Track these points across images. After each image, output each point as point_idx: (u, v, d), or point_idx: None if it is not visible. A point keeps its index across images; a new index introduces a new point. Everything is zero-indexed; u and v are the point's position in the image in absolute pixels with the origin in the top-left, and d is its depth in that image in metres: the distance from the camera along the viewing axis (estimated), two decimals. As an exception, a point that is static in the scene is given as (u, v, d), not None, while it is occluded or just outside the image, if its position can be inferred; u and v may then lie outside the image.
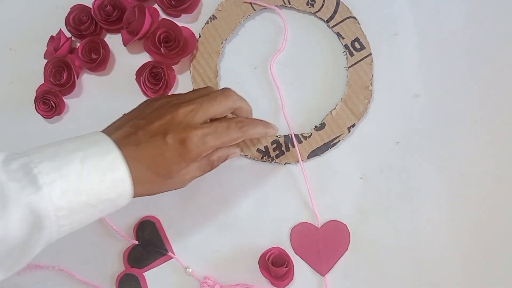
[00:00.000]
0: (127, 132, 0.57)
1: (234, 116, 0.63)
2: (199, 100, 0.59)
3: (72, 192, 0.52)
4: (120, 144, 0.55)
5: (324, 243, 0.67)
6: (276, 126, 0.65)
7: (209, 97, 0.59)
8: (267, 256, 0.66)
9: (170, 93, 0.71)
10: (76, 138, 0.56)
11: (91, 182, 0.53)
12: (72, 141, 0.55)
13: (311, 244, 0.67)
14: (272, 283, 0.67)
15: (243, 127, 0.61)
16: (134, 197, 0.57)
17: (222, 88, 0.61)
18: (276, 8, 0.71)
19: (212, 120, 0.60)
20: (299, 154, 0.68)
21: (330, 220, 0.68)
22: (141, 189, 0.57)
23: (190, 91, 0.62)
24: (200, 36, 0.71)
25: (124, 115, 0.60)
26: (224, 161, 0.63)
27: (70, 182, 0.52)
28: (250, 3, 0.71)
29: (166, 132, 0.56)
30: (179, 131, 0.57)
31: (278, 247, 0.67)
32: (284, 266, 0.66)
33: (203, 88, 0.63)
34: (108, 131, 0.58)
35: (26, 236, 0.51)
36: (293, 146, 0.68)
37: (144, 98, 0.71)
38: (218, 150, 0.61)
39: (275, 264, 0.66)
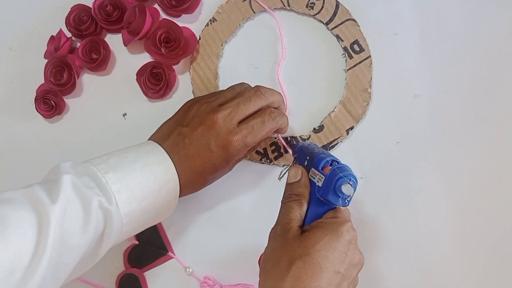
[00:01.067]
0: (175, 141, 0.61)
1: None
2: (235, 102, 0.62)
3: (135, 200, 0.57)
4: (171, 153, 0.60)
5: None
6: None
7: (244, 98, 0.63)
8: (266, 256, 0.67)
9: (170, 93, 0.71)
10: (132, 148, 0.61)
11: (151, 190, 0.58)
12: (129, 151, 0.60)
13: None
14: (271, 283, 0.67)
15: (276, 117, 0.64)
16: (181, 196, 0.62)
17: (254, 87, 0.65)
18: (272, 12, 0.70)
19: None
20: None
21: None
22: (189, 190, 0.63)
23: (226, 90, 0.66)
24: (200, 39, 0.72)
25: (167, 122, 0.65)
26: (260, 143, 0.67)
27: (133, 191, 0.57)
28: (251, 0, 0.71)
29: (209, 140, 0.61)
30: (221, 137, 0.61)
31: (277, 246, 0.68)
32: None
33: (238, 84, 0.66)
34: (158, 139, 0.63)
35: (100, 235, 0.56)
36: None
37: (145, 98, 0.72)
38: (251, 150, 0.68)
39: (274, 264, 0.66)
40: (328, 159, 0.57)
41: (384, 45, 0.70)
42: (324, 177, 0.56)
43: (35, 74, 0.73)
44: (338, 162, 0.57)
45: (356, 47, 0.69)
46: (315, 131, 0.69)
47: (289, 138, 0.69)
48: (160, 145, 0.61)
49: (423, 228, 0.67)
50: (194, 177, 0.61)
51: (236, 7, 0.71)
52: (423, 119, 0.69)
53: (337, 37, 0.70)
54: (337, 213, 0.56)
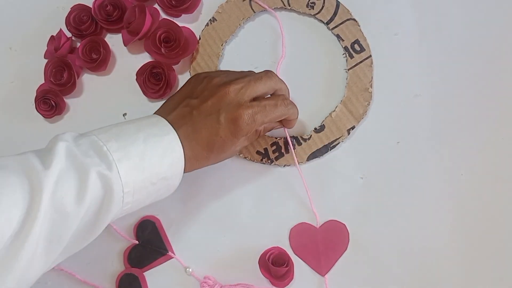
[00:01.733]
0: (182, 113, 0.61)
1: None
2: (246, 79, 0.62)
3: (137, 170, 0.56)
4: (176, 125, 0.60)
5: (323, 243, 0.67)
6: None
7: (255, 77, 0.63)
8: (267, 256, 0.67)
9: (170, 92, 0.71)
10: (134, 121, 0.60)
11: (153, 161, 0.57)
12: (131, 123, 0.59)
13: (310, 244, 0.68)
14: (272, 283, 0.67)
15: (288, 105, 0.64)
16: (186, 171, 0.61)
17: (265, 70, 0.64)
18: (273, 11, 0.70)
19: (255, 99, 0.63)
20: (295, 157, 0.68)
21: (329, 220, 0.68)
22: (193, 165, 0.61)
23: (234, 71, 0.66)
24: (200, 38, 0.71)
25: (174, 94, 0.64)
26: (269, 131, 0.67)
27: (135, 160, 0.56)
28: (250, 1, 0.71)
29: (219, 112, 0.60)
30: (231, 110, 0.60)
31: (278, 247, 0.67)
32: (284, 266, 0.66)
33: (245, 71, 0.66)
34: (163, 112, 0.62)
35: (99, 206, 0.54)
36: (293, 148, 0.68)
37: (145, 98, 0.71)
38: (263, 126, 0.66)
39: (275, 264, 0.66)
40: None
41: (384, 44, 0.70)
42: None
43: (35, 74, 0.73)
44: None
45: (356, 47, 0.69)
46: (316, 130, 0.69)
47: (289, 138, 0.69)
48: (165, 118, 0.60)
49: (423, 228, 0.67)
50: (200, 151, 0.60)
51: (236, 7, 0.71)
52: (423, 119, 0.69)
53: (338, 36, 0.70)
54: None
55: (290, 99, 0.66)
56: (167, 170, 0.58)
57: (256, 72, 0.65)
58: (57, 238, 0.52)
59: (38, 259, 0.51)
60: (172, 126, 0.59)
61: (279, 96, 0.64)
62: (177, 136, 0.59)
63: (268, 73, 0.64)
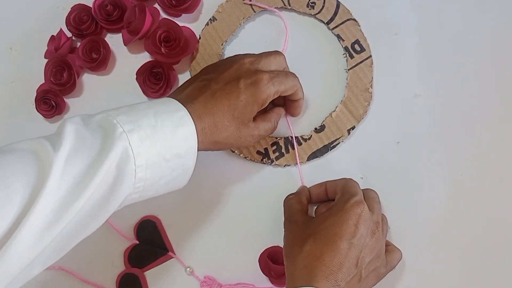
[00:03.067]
0: (199, 86, 0.61)
1: None
2: (257, 55, 0.64)
3: (149, 141, 0.55)
4: (193, 97, 0.60)
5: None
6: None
7: (265, 53, 0.65)
8: (267, 254, 0.67)
9: (171, 92, 0.71)
10: (144, 102, 0.60)
11: (165, 133, 0.56)
12: (143, 103, 0.59)
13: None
14: (272, 282, 0.67)
15: (295, 77, 0.65)
16: (204, 149, 0.60)
17: (274, 50, 0.66)
18: (276, 10, 0.71)
19: None
20: (297, 155, 0.68)
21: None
22: (213, 135, 0.60)
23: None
24: (200, 38, 0.71)
25: (187, 80, 0.65)
26: (275, 127, 0.67)
27: (147, 132, 0.55)
28: (251, 4, 0.71)
29: (238, 78, 0.61)
30: (250, 75, 0.61)
31: (278, 246, 0.68)
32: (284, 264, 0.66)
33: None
34: (175, 94, 0.62)
35: (111, 181, 0.53)
36: (293, 148, 0.68)
37: (145, 98, 0.71)
38: (274, 111, 0.67)
39: (275, 262, 0.66)
40: None
41: (384, 45, 0.70)
42: None
43: (35, 74, 0.73)
44: None
45: (357, 47, 0.69)
46: (317, 130, 0.69)
47: (290, 138, 0.69)
48: (176, 97, 0.60)
49: (423, 228, 0.67)
50: (221, 117, 0.60)
51: (236, 7, 0.71)
52: (423, 119, 0.69)
53: (338, 36, 0.70)
54: (344, 192, 0.62)
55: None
56: (180, 145, 0.57)
57: None
58: (62, 213, 0.51)
59: (41, 235, 0.50)
60: (187, 100, 0.59)
61: (288, 71, 0.66)
62: (188, 113, 0.58)
63: (277, 52, 0.66)
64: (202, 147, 0.59)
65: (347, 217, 0.58)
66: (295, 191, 0.68)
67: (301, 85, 0.66)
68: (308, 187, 0.68)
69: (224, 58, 0.70)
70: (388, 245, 0.64)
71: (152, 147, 0.55)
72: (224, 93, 0.60)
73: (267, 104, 0.62)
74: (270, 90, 0.61)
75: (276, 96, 0.63)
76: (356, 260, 0.57)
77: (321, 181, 0.68)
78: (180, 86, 0.64)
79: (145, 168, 0.55)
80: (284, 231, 0.63)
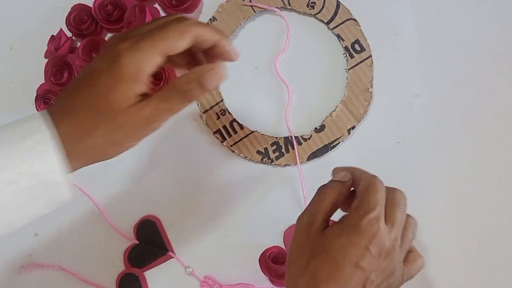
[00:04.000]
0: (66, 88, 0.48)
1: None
2: (144, 29, 0.47)
3: None
4: (55, 102, 0.47)
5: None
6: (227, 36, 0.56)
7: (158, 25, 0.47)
8: (267, 254, 0.67)
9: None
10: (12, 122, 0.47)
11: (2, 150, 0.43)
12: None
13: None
14: (272, 282, 0.67)
15: (182, 20, 0.47)
16: (77, 167, 0.46)
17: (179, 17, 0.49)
18: (277, 10, 0.71)
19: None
20: (297, 155, 0.68)
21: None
22: (82, 143, 0.45)
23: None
24: (200, 38, 0.72)
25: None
26: (202, 89, 0.48)
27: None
28: (251, 5, 0.71)
29: (95, 61, 0.47)
30: (109, 50, 0.46)
31: (278, 246, 0.68)
32: (285, 263, 0.66)
33: (165, 16, 0.52)
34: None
35: None
36: (293, 148, 0.68)
37: (145, 98, 0.71)
38: (188, 73, 0.48)
39: (275, 262, 0.66)
40: None
41: (384, 44, 0.70)
42: None
43: (36, 74, 0.73)
44: None
45: (357, 47, 0.70)
46: (317, 130, 0.69)
47: (290, 138, 0.69)
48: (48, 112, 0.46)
49: (423, 228, 0.67)
50: (82, 119, 0.45)
51: (236, 7, 0.71)
52: (423, 119, 0.69)
53: (338, 36, 0.70)
54: (361, 203, 0.51)
55: (289, 101, 0.66)
56: (27, 159, 0.43)
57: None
58: None
59: None
60: (50, 120, 0.45)
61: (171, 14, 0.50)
62: (40, 114, 0.45)
63: (180, 18, 0.48)
64: (72, 169, 0.46)
65: (359, 237, 0.50)
66: (332, 180, 0.56)
67: (204, 24, 0.49)
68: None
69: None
70: (411, 251, 0.56)
71: None
72: (78, 82, 0.46)
73: (147, 78, 0.46)
74: (136, 57, 0.45)
75: (157, 64, 0.46)
76: (362, 285, 0.50)
77: (322, 180, 0.68)
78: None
79: None
80: (297, 226, 0.55)
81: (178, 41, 0.46)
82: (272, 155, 0.69)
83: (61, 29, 0.73)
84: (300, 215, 0.54)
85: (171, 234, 0.70)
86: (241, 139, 0.69)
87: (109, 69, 0.45)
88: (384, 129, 0.69)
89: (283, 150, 0.69)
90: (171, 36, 0.46)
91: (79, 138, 0.45)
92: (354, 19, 0.70)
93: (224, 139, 0.69)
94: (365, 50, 0.69)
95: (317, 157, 0.69)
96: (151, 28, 0.46)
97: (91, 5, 0.72)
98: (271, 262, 0.66)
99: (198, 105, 0.70)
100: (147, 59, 0.45)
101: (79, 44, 0.73)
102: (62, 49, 0.71)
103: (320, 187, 0.55)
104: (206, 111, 0.70)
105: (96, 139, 0.45)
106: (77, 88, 0.46)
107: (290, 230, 0.68)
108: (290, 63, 0.70)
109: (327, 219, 0.53)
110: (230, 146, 0.69)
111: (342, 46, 0.70)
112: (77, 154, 0.45)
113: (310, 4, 0.70)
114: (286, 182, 0.69)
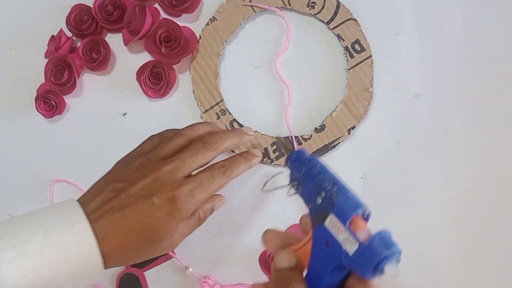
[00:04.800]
0: (107, 197, 0.54)
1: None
2: (181, 155, 0.57)
3: (33, 271, 0.48)
4: (99, 212, 0.53)
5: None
6: (258, 155, 0.66)
7: (191, 151, 0.57)
8: (267, 254, 0.67)
9: (171, 92, 0.71)
10: (45, 208, 0.53)
11: (56, 257, 0.49)
12: (39, 212, 0.52)
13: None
14: (271, 281, 0.67)
15: (226, 171, 0.59)
16: (114, 266, 0.54)
17: (202, 138, 0.59)
18: (277, 9, 0.71)
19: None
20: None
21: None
22: (121, 257, 0.53)
23: (162, 141, 0.59)
24: (200, 38, 0.71)
25: (98, 181, 0.57)
26: (211, 213, 0.61)
27: (32, 259, 0.48)
28: (251, 5, 0.71)
29: (152, 193, 0.54)
30: (166, 190, 0.54)
31: (278, 246, 0.68)
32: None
33: (183, 134, 0.60)
34: (85, 199, 0.55)
35: None
36: (293, 148, 0.68)
37: (145, 98, 0.71)
38: (204, 204, 0.59)
39: (275, 262, 0.66)
40: (359, 209, 0.43)
41: (385, 44, 0.70)
42: (358, 245, 0.42)
43: (36, 74, 0.73)
44: (368, 214, 0.44)
45: (357, 47, 0.70)
46: (317, 130, 0.69)
47: (290, 138, 0.69)
48: (83, 205, 0.53)
49: (423, 228, 0.67)
50: (129, 238, 0.53)
51: (236, 7, 0.71)
52: (423, 119, 0.69)
53: (338, 36, 0.70)
54: (368, 284, 0.44)
55: (289, 101, 0.65)
56: (76, 266, 0.50)
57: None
58: None
59: None
60: (92, 216, 0.52)
61: (215, 165, 0.59)
62: (89, 226, 0.51)
63: (205, 144, 0.58)
64: (107, 267, 0.53)
65: None
66: (289, 280, 0.46)
67: (238, 166, 0.60)
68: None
69: (141, 144, 0.61)
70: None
71: (37, 276, 0.48)
72: (135, 210, 0.53)
73: (190, 214, 0.56)
74: (190, 204, 0.55)
75: (202, 209, 0.58)
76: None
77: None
78: (91, 188, 0.56)
79: None
80: None
81: (219, 189, 0.58)
82: (272, 155, 0.69)
83: (61, 29, 0.73)
84: None
85: (171, 234, 0.70)
86: (241, 139, 0.69)
87: (164, 208, 0.54)
88: (384, 129, 0.69)
89: (283, 150, 0.69)
90: (217, 188, 0.58)
91: (117, 256, 0.53)
92: (354, 19, 0.70)
93: (224, 139, 0.69)
94: (365, 50, 0.69)
95: (317, 157, 0.69)
96: (203, 176, 0.57)
97: (91, 5, 0.72)
98: (271, 261, 0.66)
99: (198, 105, 0.70)
100: (197, 204, 0.56)
101: (79, 44, 0.73)
102: (62, 49, 0.71)
103: None
104: (206, 111, 0.70)
105: (130, 256, 0.54)
106: (126, 214, 0.53)
107: (290, 230, 0.68)
108: (290, 63, 0.70)
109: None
110: (230, 146, 0.69)
111: (342, 46, 0.70)
112: (106, 266, 0.53)
113: (310, 4, 0.70)
114: (286, 182, 0.68)
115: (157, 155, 0.57)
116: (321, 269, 0.43)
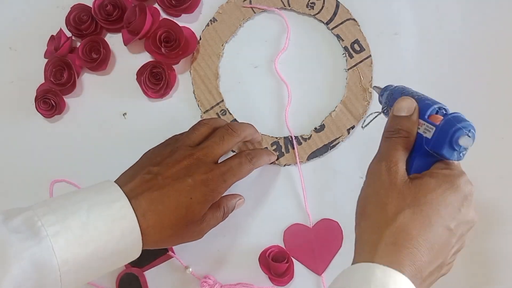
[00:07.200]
0: (144, 179, 0.57)
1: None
2: (209, 143, 0.60)
3: (78, 244, 0.51)
4: (138, 191, 0.56)
5: (317, 242, 0.68)
6: (275, 154, 0.68)
7: (216, 137, 0.61)
8: (267, 253, 0.67)
9: (171, 92, 0.71)
10: (84, 189, 0.56)
11: (98, 231, 0.52)
12: (80, 192, 0.55)
13: (304, 245, 0.68)
14: (272, 281, 0.67)
15: (252, 159, 0.63)
16: (149, 247, 0.57)
17: (225, 125, 0.63)
18: (276, 9, 0.71)
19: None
20: (297, 156, 0.68)
21: (321, 219, 0.68)
22: (158, 234, 0.56)
23: (189, 132, 0.63)
24: (200, 39, 0.72)
25: (130, 168, 0.60)
26: (232, 211, 0.64)
27: (76, 233, 0.51)
28: (251, 7, 0.71)
29: (187, 175, 0.57)
30: (200, 172, 0.58)
31: (278, 245, 0.68)
32: (285, 262, 0.66)
33: (205, 123, 0.63)
34: (121, 181, 0.58)
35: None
36: (293, 148, 0.68)
37: (145, 98, 0.71)
38: (228, 200, 0.63)
39: (275, 261, 0.66)
40: (435, 106, 0.51)
41: (384, 44, 0.70)
42: (434, 128, 0.50)
43: (35, 74, 0.73)
44: (446, 109, 0.52)
45: (356, 47, 0.70)
46: (316, 130, 0.69)
47: (290, 138, 0.69)
48: (122, 186, 0.56)
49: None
50: (167, 216, 0.56)
51: (236, 8, 0.71)
52: (423, 119, 0.69)
53: (338, 36, 0.70)
54: (450, 165, 0.51)
55: (289, 100, 0.66)
56: (117, 242, 0.53)
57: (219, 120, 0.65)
58: None
59: None
60: (131, 194, 0.55)
61: (242, 152, 0.63)
62: (129, 203, 0.54)
63: (228, 130, 0.62)
64: (144, 246, 0.56)
65: (454, 197, 0.50)
66: (405, 126, 0.53)
67: (262, 155, 0.65)
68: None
69: (170, 138, 0.64)
70: None
71: (82, 250, 0.51)
72: (173, 189, 0.57)
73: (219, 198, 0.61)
74: (222, 186, 0.59)
75: (231, 186, 0.61)
76: (446, 247, 0.49)
77: (321, 180, 0.68)
78: (125, 172, 0.60)
79: (74, 272, 0.51)
80: (371, 173, 0.53)
81: (247, 175, 0.63)
82: (272, 155, 0.69)
83: (61, 29, 0.73)
84: (373, 162, 0.54)
85: (171, 234, 0.70)
86: (241, 139, 0.69)
87: (200, 190, 0.58)
88: (383, 129, 0.69)
89: (283, 150, 0.69)
90: (245, 173, 0.62)
91: (154, 233, 0.56)
92: (354, 19, 0.70)
93: (224, 139, 0.69)
94: (364, 50, 0.70)
95: (317, 156, 0.69)
96: (232, 163, 0.61)
97: (91, 5, 0.72)
98: (271, 260, 0.66)
99: (198, 106, 0.70)
100: (227, 187, 0.61)
101: (79, 44, 0.73)
102: (62, 49, 0.71)
103: (385, 132, 0.55)
104: (206, 111, 0.70)
105: (166, 236, 0.58)
106: (164, 193, 0.57)
107: (290, 230, 0.68)
108: (290, 63, 0.70)
109: (406, 167, 0.52)
110: (230, 146, 0.69)
111: (342, 46, 0.70)
112: (145, 244, 0.56)
113: (309, 4, 0.70)
114: (286, 181, 0.69)
115: (186, 143, 0.61)
116: (413, 154, 0.53)
